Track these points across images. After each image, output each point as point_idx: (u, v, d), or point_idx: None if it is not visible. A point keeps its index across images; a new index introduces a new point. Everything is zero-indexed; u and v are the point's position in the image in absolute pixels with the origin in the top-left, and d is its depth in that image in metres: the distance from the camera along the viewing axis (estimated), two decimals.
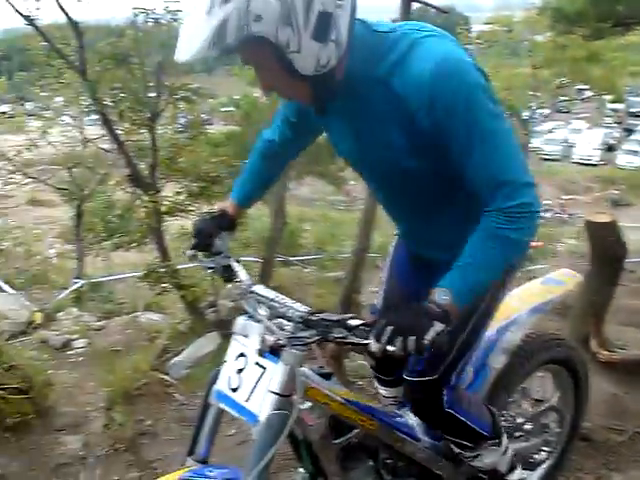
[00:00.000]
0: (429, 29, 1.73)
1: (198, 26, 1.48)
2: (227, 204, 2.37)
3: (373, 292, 7.50)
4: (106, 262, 13.23)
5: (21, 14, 4.10)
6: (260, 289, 2.02)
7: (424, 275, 2.11)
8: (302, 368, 1.92)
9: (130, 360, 4.22)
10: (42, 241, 15.55)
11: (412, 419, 2.41)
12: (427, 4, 4.87)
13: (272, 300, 1.93)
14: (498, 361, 2.53)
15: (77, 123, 12.91)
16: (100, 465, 3.72)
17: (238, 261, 2.19)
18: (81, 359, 6.58)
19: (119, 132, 4.48)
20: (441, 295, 1.65)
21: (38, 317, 7.87)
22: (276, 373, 1.79)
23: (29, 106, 15.73)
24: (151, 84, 4.11)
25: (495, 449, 2.38)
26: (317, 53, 1.56)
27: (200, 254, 2.24)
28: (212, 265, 2.22)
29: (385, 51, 1.70)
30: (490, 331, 2.42)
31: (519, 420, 2.75)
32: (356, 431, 2.16)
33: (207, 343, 4.23)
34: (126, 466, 3.43)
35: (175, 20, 3.92)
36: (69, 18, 3.91)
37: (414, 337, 1.54)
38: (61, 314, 8.54)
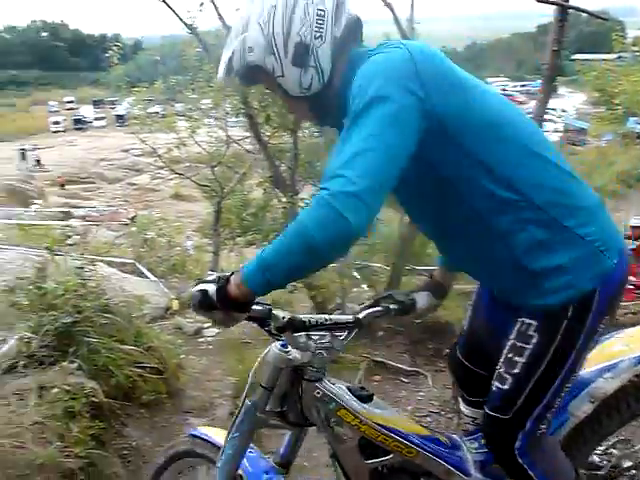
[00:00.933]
0: (396, 44, 1.81)
1: (224, 54, 1.88)
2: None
3: None
4: (239, 258, 13.70)
5: (183, 22, 4.39)
6: None
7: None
8: (332, 385, 2.05)
9: (257, 353, 4.36)
10: (182, 233, 16.44)
11: (471, 451, 2.27)
12: (582, 10, 4.66)
13: None
14: (581, 409, 2.24)
15: (222, 124, 13.56)
16: None
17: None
18: (210, 347, 6.91)
19: (264, 135, 4.65)
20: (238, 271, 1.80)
21: (175, 304, 8.34)
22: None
23: (179, 107, 16.72)
24: None
25: None
26: (298, 77, 1.84)
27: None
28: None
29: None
30: (580, 372, 2.19)
31: (626, 464, 2.47)
32: (392, 455, 2.10)
33: None
34: None
35: None
36: (226, 26, 4.13)
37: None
38: None
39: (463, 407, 2.64)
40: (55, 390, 3.84)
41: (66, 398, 3.81)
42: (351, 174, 1.59)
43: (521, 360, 1.93)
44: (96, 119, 76.60)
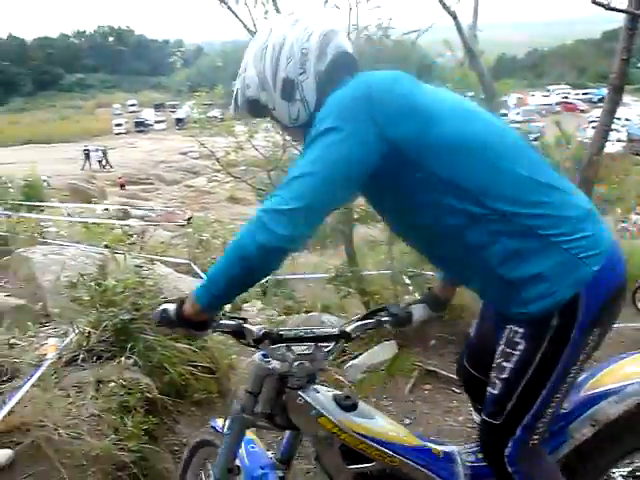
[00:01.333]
0: (361, 77, 1.98)
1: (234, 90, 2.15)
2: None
3: None
4: (291, 262, 13.83)
5: (247, 28, 4.45)
6: None
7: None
8: (316, 393, 2.18)
9: None
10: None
11: (465, 464, 2.29)
12: None
13: None
14: (581, 431, 2.17)
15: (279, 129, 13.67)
16: (274, 443, 3.87)
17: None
18: None
19: None
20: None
21: (227, 306, 8.47)
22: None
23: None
24: None
25: None
26: (287, 110, 2.06)
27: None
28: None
29: None
30: (583, 394, 2.18)
31: None
32: (375, 462, 2.18)
33: (384, 351, 4.22)
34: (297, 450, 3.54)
35: (387, 37, 4.01)
36: None
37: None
38: (247, 305, 9.15)
39: (475, 416, 2.68)
40: (112, 384, 3.95)
41: (122, 393, 3.92)
42: (286, 194, 1.78)
43: (509, 365, 1.99)
44: (157, 122, 78.68)
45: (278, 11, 4.13)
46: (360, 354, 4.39)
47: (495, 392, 2.03)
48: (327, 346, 2.26)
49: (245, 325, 2.14)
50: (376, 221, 4.37)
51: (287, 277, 11.24)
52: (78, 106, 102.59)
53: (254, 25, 4.26)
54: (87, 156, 42.82)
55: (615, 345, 4.79)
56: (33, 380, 3.68)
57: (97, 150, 44.65)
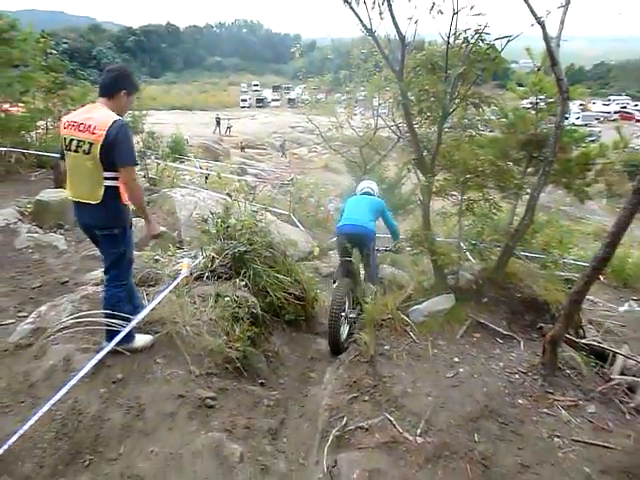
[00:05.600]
0: None
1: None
2: None
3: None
4: None
5: (364, 25, 4.31)
6: None
7: None
8: None
9: (381, 299, 4.37)
10: (327, 197, 16.67)
11: None
12: None
13: None
14: None
15: (372, 114, 13.44)
16: (343, 366, 3.93)
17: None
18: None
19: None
20: None
21: (316, 251, 8.57)
22: None
23: (339, 96, 16.73)
24: (449, 90, 4.06)
25: None
26: None
27: None
28: None
29: None
30: None
31: None
32: None
33: (444, 301, 4.18)
34: (363, 373, 3.59)
35: (482, 41, 3.79)
36: (399, 33, 4.03)
37: None
38: (332, 252, 9.19)
39: None
40: (227, 298, 4.12)
41: (234, 306, 4.09)
42: None
43: None
44: (273, 100, 79.02)
45: (392, 13, 3.97)
46: (423, 301, 4.38)
47: None
48: None
49: None
50: (450, 195, 4.26)
51: None
52: (215, 83, 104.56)
53: (370, 24, 4.13)
54: (218, 123, 43.67)
55: None
56: (170, 288, 3.88)
57: (227, 119, 45.50)
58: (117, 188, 3.25)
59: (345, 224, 5.01)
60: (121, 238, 3.35)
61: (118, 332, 3.22)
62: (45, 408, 2.66)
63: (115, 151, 3.15)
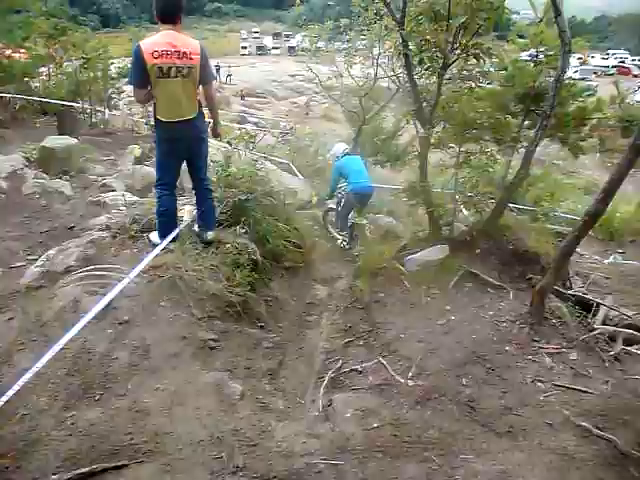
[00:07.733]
0: None
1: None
2: None
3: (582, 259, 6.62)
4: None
5: None
6: None
7: None
8: None
9: (378, 247, 4.35)
10: (326, 146, 16.32)
11: None
12: None
13: None
14: None
15: (371, 63, 12.96)
16: (339, 312, 3.96)
17: None
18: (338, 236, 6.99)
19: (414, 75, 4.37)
20: None
21: (315, 199, 8.48)
22: None
23: (339, 45, 16.05)
24: (450, 40, 3.87)
25: None
26: None
27: None
28: None
29: None
30: None
31: None
32: None
33: (438, 251, 4.17)
34: (358, 319, 3.62)
35: None
36: None
37: None
38: (329, 201, 9.08)
39: None
40: (228, 245, 4.09)
41: (234, 252, 4.06)
42: None
43: None
44: (273, 48, 76.21)
45: None
46: (418, 251, 4.37)
47: None
48: None
49: None
50: (448, 147, 4.14)
51: None
52: (215, 29, 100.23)
53: None
54: (217, 70, 42.33)
55: None
56: (173, 234, 3.83)
57: (228, 67, 44.01)
58: (199, 100, 3.71)
59: (365, 185, 5.83)
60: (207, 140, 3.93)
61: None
62: (61, 343, 2.66)
63: (204, 70, 3.61)
